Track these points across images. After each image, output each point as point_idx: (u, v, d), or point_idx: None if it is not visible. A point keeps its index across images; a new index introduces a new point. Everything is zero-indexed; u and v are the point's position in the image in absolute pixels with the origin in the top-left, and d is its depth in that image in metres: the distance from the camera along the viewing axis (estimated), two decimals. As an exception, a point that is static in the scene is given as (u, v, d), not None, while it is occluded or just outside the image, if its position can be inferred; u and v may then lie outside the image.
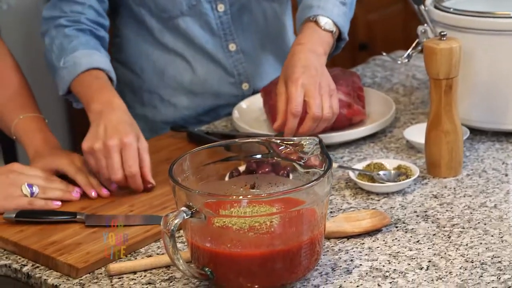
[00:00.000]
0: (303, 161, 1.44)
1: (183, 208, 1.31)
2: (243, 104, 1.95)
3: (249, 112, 1.94)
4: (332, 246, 1.49)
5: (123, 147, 1.61)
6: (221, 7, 1.94)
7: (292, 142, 1.45)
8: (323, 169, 1.40)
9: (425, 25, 1.78)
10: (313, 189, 1.35)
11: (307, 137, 1.46)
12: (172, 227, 1.30)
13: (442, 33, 1.63)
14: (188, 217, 1.31)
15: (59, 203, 1.62)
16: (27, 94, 1.82)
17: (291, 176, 1.48)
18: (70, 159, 1.69)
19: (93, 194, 1.64)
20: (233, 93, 2.01)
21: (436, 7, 1.80)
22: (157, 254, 1.49)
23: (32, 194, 1.61)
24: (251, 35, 2.00)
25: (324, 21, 1.76)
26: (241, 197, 1.41)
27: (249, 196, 1.42)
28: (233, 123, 1.91)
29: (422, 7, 1.77)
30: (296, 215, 1.35)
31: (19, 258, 1.51)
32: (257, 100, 1.95)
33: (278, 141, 1.47)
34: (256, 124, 1.90)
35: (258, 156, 1.47)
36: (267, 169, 1.50)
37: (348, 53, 3.90)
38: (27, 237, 1.52)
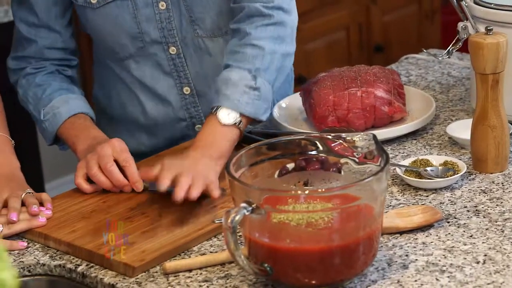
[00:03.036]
0: (357, 156, 1.44)
1: (243, 204, 1.31)
2: (283, 103, 1.95)
3: (289, 111, 1.93)
4: (385, 242, 1.48)
5: (98, 156, 1.64)
6: (173, 50, 1.84)
7: (344, 138, 1.45)
8: (378, 164, 1.40)
9: (466, 21, 1.78)
10: (370, 185, 1.35)
11: (359, 133, 1.46)
12: (234, 223, 1.29)
13: (488, 28, 1.63)
14: (249, 213, 1.31)
15: (25, 244, 1.54)
16: None
17: (342, 172, 1.48)
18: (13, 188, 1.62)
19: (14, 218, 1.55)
20: (188, 134, 1.92)
21: (476, 3, 1.80)
22: (210, 252, 1.49)
23: None
24: (211, 78, 1.84)
25: (226, 114, 1.66)
26: (299, 192, 1.41)
27: (307, 192, 1.42)
28: (273, 122, 1.90)
29: (463, 3, 1.77)
30: (354, 210, 1.34)
31: (73, 258, 1.50)
32: (296, 99, 1.94)
33: (331, 137, 1.47)
34: (295, 123, 1.90)
35: (313, 152, 1.46)
36: (316, 166, 1.50)
37: (364, 55, 3.91)
38: (80, 237, 1.52)
